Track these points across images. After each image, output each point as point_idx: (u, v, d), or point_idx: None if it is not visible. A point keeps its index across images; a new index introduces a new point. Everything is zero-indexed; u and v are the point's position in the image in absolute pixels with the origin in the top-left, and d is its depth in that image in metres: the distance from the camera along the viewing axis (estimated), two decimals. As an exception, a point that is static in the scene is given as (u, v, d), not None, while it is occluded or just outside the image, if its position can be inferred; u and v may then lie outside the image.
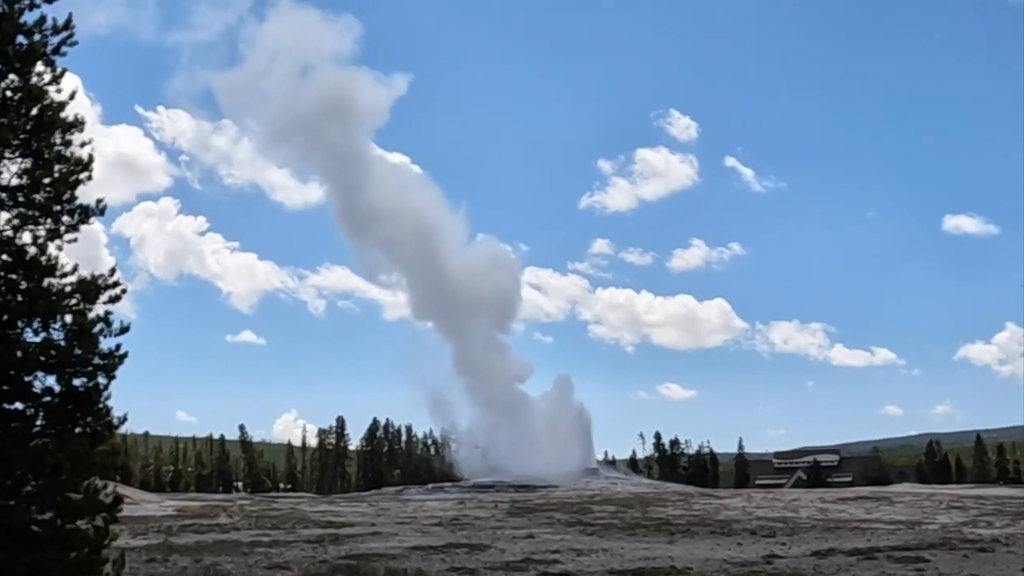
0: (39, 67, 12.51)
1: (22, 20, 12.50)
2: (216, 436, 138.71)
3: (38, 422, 12.31)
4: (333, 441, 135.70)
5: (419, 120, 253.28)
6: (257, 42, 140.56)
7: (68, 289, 12.32)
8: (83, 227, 12.71)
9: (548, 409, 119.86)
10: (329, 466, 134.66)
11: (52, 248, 12.39)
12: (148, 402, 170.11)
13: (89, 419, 12.36)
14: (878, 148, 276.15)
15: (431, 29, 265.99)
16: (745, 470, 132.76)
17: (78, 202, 12.59)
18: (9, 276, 12.09)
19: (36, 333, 12.25)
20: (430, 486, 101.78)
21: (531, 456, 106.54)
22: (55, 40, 12.67)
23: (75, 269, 12.46)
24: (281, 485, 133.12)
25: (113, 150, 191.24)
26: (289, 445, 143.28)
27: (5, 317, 12.07)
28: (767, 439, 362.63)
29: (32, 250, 12.22)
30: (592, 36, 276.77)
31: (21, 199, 12.32)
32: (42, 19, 12.61)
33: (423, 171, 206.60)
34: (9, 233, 12.24)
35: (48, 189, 12.37)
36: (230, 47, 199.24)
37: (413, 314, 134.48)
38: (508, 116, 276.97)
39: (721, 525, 42.08)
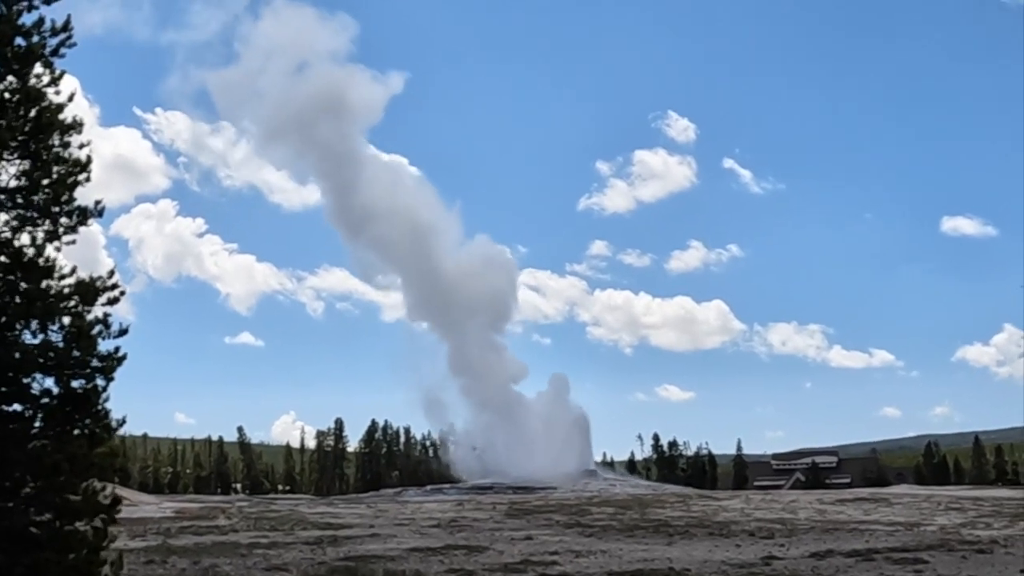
0: (38, 69, 12.51)
1: (20, 22, 12.51)
2: (215, 438, 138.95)
3: (36, 424, 12.32)
4: (331, 443, 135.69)
5: (417, 121, 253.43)
6: (252, 40, 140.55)
7: (67, 291, 12.32)
8: (81, 229, 12.72)
9: (544, 410, 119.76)
10: (327, 468, 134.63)
11: (50, 250, 12.40)
12: (147, 404, 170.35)
13: (88, 421, 12.37)
14: (876, 149, 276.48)
15: (428, 29, 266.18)
16: (743, 471, 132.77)
17: (76, 204, 12.59)
18: (7, 278, 12.09)
19: (34, 335, 12.26)
20: (428, 488, 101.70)
21: (527, 457, 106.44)
22: (53, 42, 12.68)
23: (74, 271, 12.47)
24: (279, 487, 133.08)
25: (111, 152, 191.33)
26: (287, 447, 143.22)
27: (3, 319, 12.07)
28: (765, 440, 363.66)
29: (30, 252, 12.22)
30: (590, 37, 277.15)
31: (20, 200, 12.32)
32: (40, 21, 12.62)
33: (420, 172, 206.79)
34: (7, 235, 12.24)
35: (46, 191, 12.37)
36: (226, 46, 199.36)
37: (409, 314, 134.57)
38: (506, 117, 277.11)
39: (719, 526, 42.08)
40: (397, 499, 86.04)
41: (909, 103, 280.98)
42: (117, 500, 12.60)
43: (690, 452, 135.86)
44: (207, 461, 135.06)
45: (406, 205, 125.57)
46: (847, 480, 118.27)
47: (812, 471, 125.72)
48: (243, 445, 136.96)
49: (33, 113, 12.33)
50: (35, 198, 12.35)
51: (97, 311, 12.56)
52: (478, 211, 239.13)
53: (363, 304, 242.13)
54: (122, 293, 12.74)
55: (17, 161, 12.33)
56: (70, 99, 12.74)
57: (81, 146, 12.70)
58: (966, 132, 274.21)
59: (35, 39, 12.53)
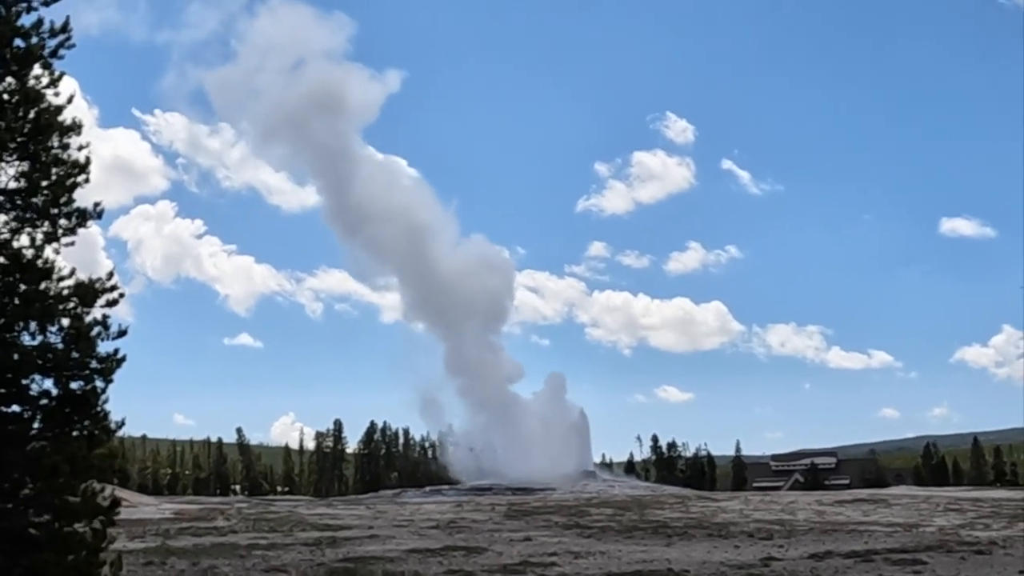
0: (37, 70, 12.52)
1: (19, 23, 12.51)
2: (213, 439, 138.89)
3: (35, 425, 12.32)
4: (330, 444, 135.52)
5: (415, 123, 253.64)
6: (248, 39, 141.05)
7: (65, 292, 12.32)
8: (80, 230, 12.72)
9: (541, 410, 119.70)
10: (326, 469, 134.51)
11: (49, 251, 12.41)
12: (145, 405, 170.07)
13: (87, 422, 12.37)
14: (875, 151, 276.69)
15: (426, 30, 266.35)
16: (742, 473, 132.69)
17: (75, 205, 12.60)
18: (6, 279, 12.09)
19: (33, 336, 12.26)
20: (427, 489, 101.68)
21: (523, 458, 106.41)
22: (52, 43, 12.68)
23: (72, 272, 12.48)
24: (278, 488, 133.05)
25: (110, 153, 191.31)
26: (286, 448, 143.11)
27: (2, 320, 12.08)
28: (764, 441, 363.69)
29: (29, 253, 12.22)
30: (589, 38, 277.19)
31: (18, 202, 12.33)
32: (39, 22, 12.63)
33: (419, 173, 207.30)
34: (6, 236, 12.25)
35: (45, 192, 12.37)
36: (223, 45, 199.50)
37: (405, 315, 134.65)
38: (505, 118, 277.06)
39: (718, 528, 42.10)
40: (396, 500, 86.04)
41: (908, 104, 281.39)
42: (116, 501, 12.61)
43: (689, 453, 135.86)
44: (206, 462, 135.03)
45: (402, 205, 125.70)
46: (846, 481, 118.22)
47: (811, 472, 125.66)
48: (242, 446, 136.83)
49: (32, 114, 12.33)
50: (34, 200, 12.35)
51: (96, 312, 12.57)
52: (477, 212, 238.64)
53: (362, 305, 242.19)
54: (121, 295, 12.75)
55: (16, 162, 12.34)
56: (69, 101, 12.75)
57: (80, 148, 12.71)
58: (965, 133, 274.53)
59: (34, 40, 12.54)
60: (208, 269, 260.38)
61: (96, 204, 12.80)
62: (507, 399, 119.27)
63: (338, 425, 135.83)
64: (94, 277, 12.62)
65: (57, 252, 12.52)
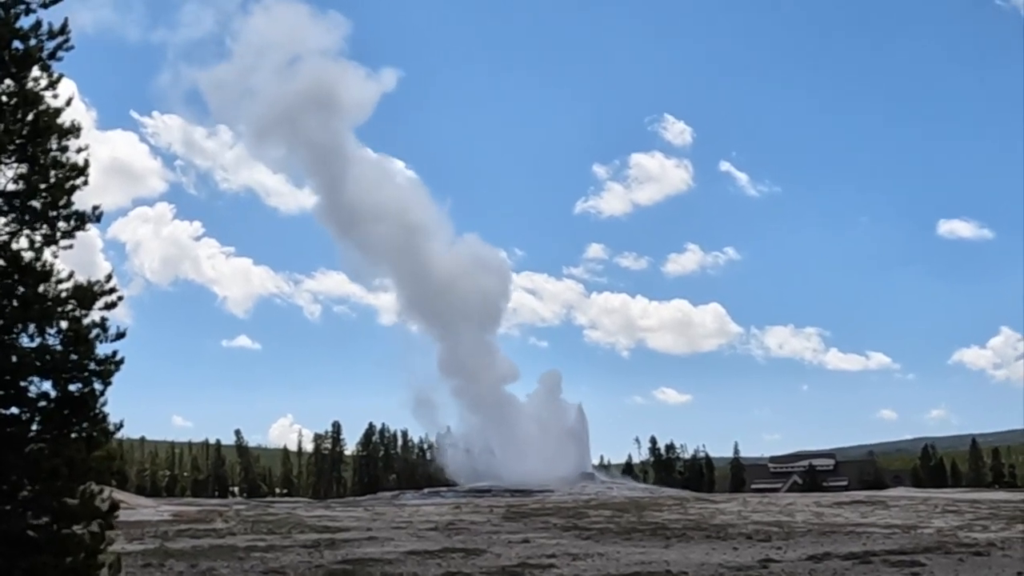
0: (35, 72, 12.51)
1: (18, 25, 12.51)
2: (212, 441, 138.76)
3: (34, 427, 12.32)
4: (329, 446, 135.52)
5: (412, 124, 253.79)
6: (243, 38, 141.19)
7: (64, 295, 12.32)
8: (79, 232, 12.73)
9: (536, 410, 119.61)
10: (325, 471, 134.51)
11: (48, 254, 12.41)
12: (144, 407, 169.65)
13: (85, 424, 12.38)
14: (873, 152, 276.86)
15: (423, 31, 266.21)
16: (741, 474, 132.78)
17: (74, 208, 12.60)
18: (5, 281, 12.09)
19: (32, 338, 12.26)
20: (426, 491, 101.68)
21: (518, 459, 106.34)
22: (51, 45, 12.68)
23: (71, 275, 12.48)
24: (277, 490, 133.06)
25: (108, 155, 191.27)
26: (285, 450, 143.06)
27: (1, 322, 12.08)
28: (763, 443, 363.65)
29: (28, 255, 12.23)
30: (587, 40, 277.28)
31: (17, 204, 12.33)
32: (38, 24, 12.62)
33: (417, 175, 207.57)
34: (5, 238, 12.25)
35: (44, 195, 12.37)
36: (219, 44, 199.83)
37: (401, 315, 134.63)
38: (503, 120, 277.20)
39: (717, 529, 42.11)
40: (394, 502, 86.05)
41: (905, 106, 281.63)
42: (115, 504, 12.61)
43: (687, 455, 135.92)
44: (204, 464, 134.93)
45: (396, 204, 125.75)
46: (844, 483, 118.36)
47: (809, 474, 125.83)
48: (240, 448, 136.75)
49: (31, 117, 12.33)
50: (33, 202, 12.36)
51: (95, 315, 12.57)
52: (474, 214, 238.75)
53: (360, 307, 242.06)
54: (120, 297, 12.76)
55: (15, 165, 12.34)
56: (68, 103, 12.75)
57: (79, 150, 12.71)
58: (963, 135, 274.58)
59: (33, 42, 12.53)
60: (206, 271, 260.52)
61: (95, 207, 12.81)
62: (502, 400, 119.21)
63: (336, 427, 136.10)
64: (92, 279, 12.64)
65: (56, 255, 12.54)
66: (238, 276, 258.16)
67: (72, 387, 12.34)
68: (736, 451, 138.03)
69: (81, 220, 12.70)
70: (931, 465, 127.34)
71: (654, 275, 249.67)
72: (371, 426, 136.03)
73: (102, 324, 12.55)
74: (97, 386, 12.42)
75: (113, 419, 12.66)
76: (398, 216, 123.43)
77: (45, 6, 12.80)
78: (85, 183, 12.71)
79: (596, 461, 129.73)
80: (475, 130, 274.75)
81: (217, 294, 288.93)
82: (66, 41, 12.80)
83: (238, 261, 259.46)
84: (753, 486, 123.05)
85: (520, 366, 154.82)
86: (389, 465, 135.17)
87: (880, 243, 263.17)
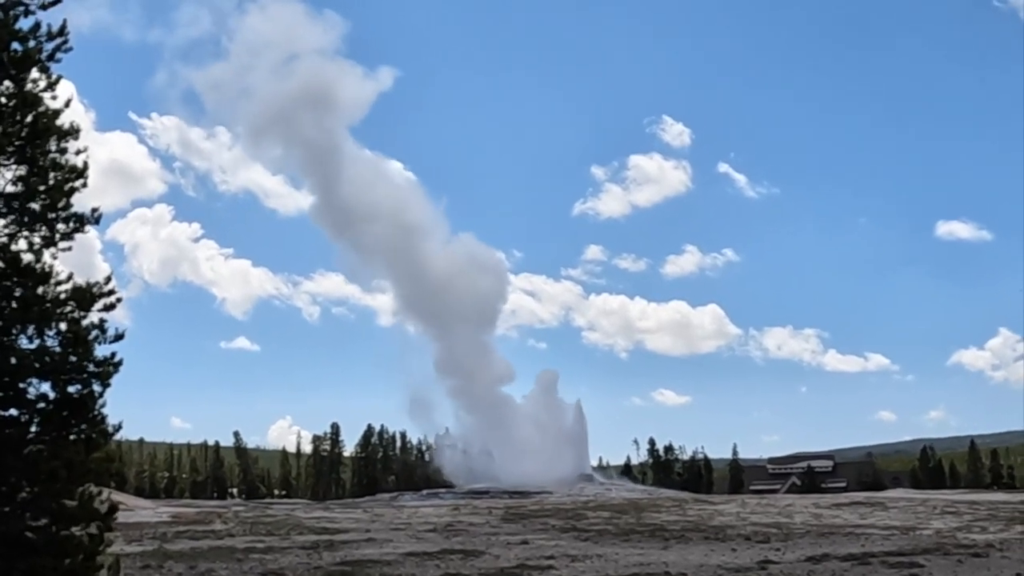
0: (34, 74, 12.51)
1: (17, 26, 12.51)
2: (211, 442, 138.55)
3: (33, 428, 12.33)
4: (328, 447, 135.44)
5: (410, 125, 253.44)
6: (239, 38, 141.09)
7: (63, 296, 12.33)
8: (78, 234, 12.73)
9: (533, 411, 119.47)
10: (324, 472, 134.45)
11: (47, 256, 12.42)
12: (142, 409, 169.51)
13: (84, 426, 12.39)
14: (871, 154, 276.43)
15: (420, 32, 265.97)
16: (739, 476, 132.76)
17: (73, 210, 12.60)
18: (4, 283, 12.10)
19: (31, 340, 12.27)
20: (425, 492, 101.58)
21: (517, 460, 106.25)
22: (50, 46, 12.68)
23: (70, 277, 12.49)
24: (276, 491, 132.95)
25: (107, 157, 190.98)
26: (284, 451, 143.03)
27: (0, 324, 12.08)
28: (761, 445, 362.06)
29: (27, 257, 12.23)
30: (585, 41, 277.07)
31: (16, 206, 12.33)
32: (37, 25, 12.62)
33: (415, 176, 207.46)
34: (4, 240, 12.26)
35: (43, 197, 12.38)
36: (216, 45, 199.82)
37: (396, 314, 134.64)
38: (501, 121, 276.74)
39: (715, 531, 42.11)
40: (393, 504, 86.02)
41: (904, 107, 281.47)
42: (113, 505, 12.62)
43: (686, 456, 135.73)
44: (203, 466, 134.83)
45: (392, 204, 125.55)
46: (843, 484, 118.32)
47: (808, 475, 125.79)
48: (239, 450, 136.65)
49: (30, 118, 12.33)
50: (32, 204, 12.36)
51: (93, 316, 12.58)
52: (473, 215, 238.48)
53: (359, 309, 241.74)
54: (118, 299, 12.77)
55: (14, 167, 12.34)
56: (67, 104, 12.76)
57: (78, 152, 12.72)
58: (961, 136, 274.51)
59: (31, 44, 12.53)
60: (205, 273, 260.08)
61: (94, 209, 12.83)
62: (498, 400, 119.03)
63: (335, 428, 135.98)
64: (91, 281, 12.65)
65: (55, 256, 12.55)
66: (237, 278, 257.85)
67: (71, 389, 12.35)
68: (735, 452, 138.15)
69: (80, 222, 12.71)
70: (930, 466, 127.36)
71: (652, 276, 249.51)
72: (370, 428, 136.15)
73: (101, 326, 12.56)
74: (96, 388, 12.44)
75: (112, 421, 12.70)
76: (394, 216, 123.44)
77: (44, 8, 12.80)
78: (84, 185, 12.72)
79: (595, 462, 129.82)
80: (473, 131, 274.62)
81: (216, 295, 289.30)
82: (65, 43, 12.81)
83: (237, 263, 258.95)
84: (752, 487, 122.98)
85: (519, 368, 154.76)
86: (388, 467, 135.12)
87: (878, 244, 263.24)
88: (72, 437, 12.35)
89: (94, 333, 12.45)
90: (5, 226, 12.33)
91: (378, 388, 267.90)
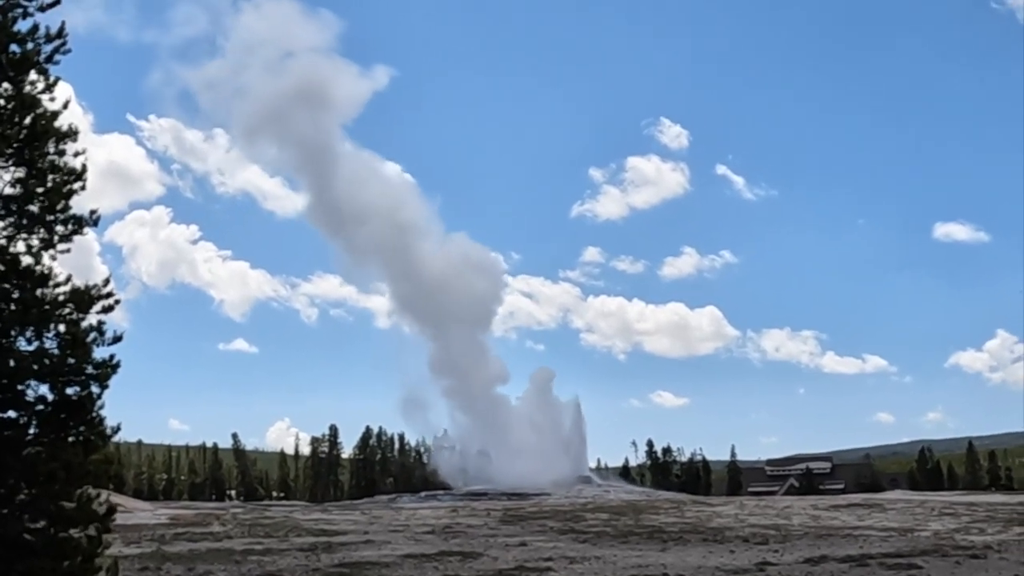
0: (32, 76, 12.51)
1: (15, 28, 12.52)
2: (209, 444, 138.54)
3: (31, 431, 12.33)
4: (326, 449, 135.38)
5: (408, 126, 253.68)
6: (233, 37, 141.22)
7: (61, 298, 12.33)
8: (76, 236, 12.73)
9: (528, 411, 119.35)
10: (322, 474, 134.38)
11: (46, 258, 12.41)
12: (141, 410, 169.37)
13: (82, 428, 12.38)
14: (869, 156, 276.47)
15: (417, 34, 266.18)
16: (737, 477, 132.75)
17: (71, 212, 12.60)
18: (3, 285, 12.10)
19: (29, 342, 12.27)
20: (423, 494, 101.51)
21: (513, 461, 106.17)
22: (48, 48, 12.68)
23: (68, 279, 12.48)
24: (274, 493, 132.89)
25: (105, 159, 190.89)
26: (282, 453, 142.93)
27: (-1, 326, 12.10)
28: (759, 446, 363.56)
29: (26, 259, 12.23)
30: (583, 43, 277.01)
31: (15, 209, 12.33)
32: (35, 27, 12.62)
33: (412, 177, 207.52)
34: (2, 242, 12.26)
35: (42, 199, 12.37)
36: (211, 44, 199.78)
37: (391, 314, 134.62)
38: (499, 123, 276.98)
39: (714, 532, 42.12)
40: (391, 505, 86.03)
41: (901, 109, 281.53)
42: (112, 507, 12.61)
43: (684, 458, 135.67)
44: (201, 468, 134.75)
45: (387, 203, 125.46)
46: (841, 486, 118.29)
47: (806, 477, 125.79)
48: (237, 452, 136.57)
49: (28, 120, 12.32)
50: (30, 207, 12.36)
51: (92, 318, 12.58)
52: (470, 217, 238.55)
53: (357, 311, 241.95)
54: (117, 301, 12.76)
55: (12, 169, 12.34)
56: (65, 106, 12.75)
57: (76, 154, 12.72)
58: (959, 138, 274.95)
59: (30, 46, 12.53)
60: (203, 274, 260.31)
61: (92, 211, 12.82)
62: (493, 400, 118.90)
63: (333, 430, 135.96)
64: (90, 283, 12.64)
65: (53, 258, 12.54)
66: (235, 279, 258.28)
67: (69, 390, 12.35)
68: (733, 454, 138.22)
69: (79, 224, 12.71)
70: (928, 468, 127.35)
71: (650, 278, 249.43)
72: (368, 429, 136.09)
73: (99, 328, 12.56)
74: (94, 389, 12.43)
75: (110, 422, 12.68)
76: (389, 215, 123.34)
77: (42, 9, 12.79)
78: (82, 187, 12.71)
79: (593, 464, 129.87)
80: (470, 133, 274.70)
81: (214, 297, 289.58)
82: (63, 44, 12.80)
83: (235, 264, 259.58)
84: (750, 489, 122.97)
85: (517, 369, 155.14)
86: (386, 468, 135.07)
87: (877, 246, 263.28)
88: (71, 439, 12.34)
89: (93, 335, 12.45)
90: (4, 228, 12.32)
91: (376, 390, 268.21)
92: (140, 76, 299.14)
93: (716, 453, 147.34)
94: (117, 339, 12.72)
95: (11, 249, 12.27)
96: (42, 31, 12.64)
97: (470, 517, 56.71)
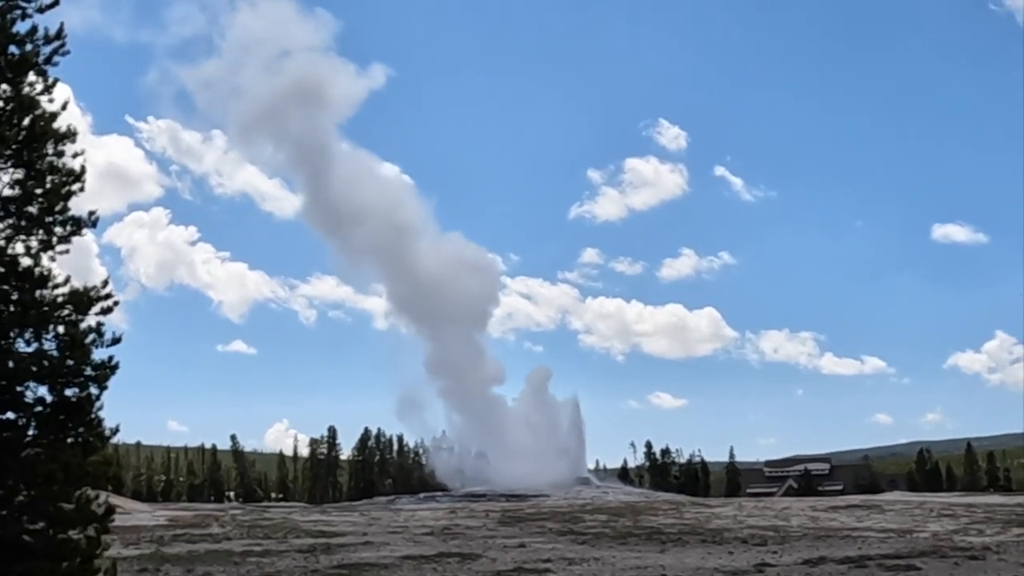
0: (31, 77, 12.51)
1: (14, 30, 12.52)
2: (208, 446, 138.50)
3: (30, 432, 12.33)
4: (325, 450, 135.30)
5: (405, 127, 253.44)
6: (229, 36, 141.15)
7: (60, 300, 12.33)
8: (75, 238, 12.73)
9: (525, 411, 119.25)
10: (321, 475, 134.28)
11: (45, 259, 12.41)
12: (139, 412, 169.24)
13: (81, 429, 12.38)
14: (867, 157, 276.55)
15: (415, 35, 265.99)
16: (736, 479, 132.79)
17: (70, 213, 12.60)
18: (2, 287, 12.10)
19: (28, 343, 12.27)
20: (422, 495, 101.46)
21: (511, 461, 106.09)
22: (47, 50, 12.68)
23: (67, 280, 12.48)
24: (273, 495, 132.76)
25: (104, 160, 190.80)
26: (281, 455, 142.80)
27: (-2, 327, 12.10)
28: (758, 448, 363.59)
29: (25, 261, 12.23)
30: (581, 44, 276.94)
31: (13, 210, 12.33)
32: (34, 29, 12.62)
33: (410, 179, 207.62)
34: (1, 244, 12.25)
35: (40, 200, 12.37)
36: (208, 44, 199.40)
37: (388, 315, 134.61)
38: (497, 125, 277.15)
39: (712, 534, 42.12)
40: (390, 507, 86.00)
41: (900, 110, 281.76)
42: (110, 508, 12.61)
43: (683, 459, 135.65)
44: (200, 469, 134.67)
45: (383, 202, 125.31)
46: (839, 487, 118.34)
47: (804, 478, 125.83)
48: (236, 453, 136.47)
49: (27, 122, 12.33)
50: (29, 208, 12.36)
51: (91, 320, 12.58)
52: (469, 218, 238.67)
53: (355, 312, 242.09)
54: (115, 302, 12.76)
55: (11, 170, 12.35)
56: (63, 107, 12.75)
57: (75, 155, 12.73)
58: (957, 139, 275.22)
59: (28, 47, 12.53)
60: (202, 276, 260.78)
61: (91, 213, 12.82)
62: (489, 401, 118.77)
63: (332, 431, 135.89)
64: (88, 284, 12.64)
65: (52, 260, 12.54)
66: (233, 281, 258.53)
67: (68, 392, 12.35)
68: (731, 455, 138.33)
69: (77, 225, 12.71)
70: (926, 469, 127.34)
71: (649, 280, 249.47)
72: (367, 431, 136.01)
73: (98, 329, 12.56)
74: (93, 391, 12.43)
75: (109, 424, 12.68)
76: (384, 214, 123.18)
77: (41, 11, 12.80)
78: (81, 188, 12.72)
79: (591, 466, 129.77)
80: (468, 134, 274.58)
81: (212, 299, 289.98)
82: (62, 46, 12.81)
83: (233, 266, 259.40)
84: (748, 490, 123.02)
85: (515, 371, 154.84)
86: (385, 470, 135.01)
87: (875, 247, 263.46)
88: (69, 440, 12.35)
89: (91, 336, 12.45)
90: (3, 230, 12.32)
91: (375, 391, 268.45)
92: (138, 77, 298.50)
93: (715, 454, 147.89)
94: (116, 340, 12.72)
95: (10, 250, 12.27)
96: (41, 32, 12.65)
97: (469, 518, 56.69)
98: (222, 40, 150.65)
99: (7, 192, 12.34)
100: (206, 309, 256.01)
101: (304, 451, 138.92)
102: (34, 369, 12.17)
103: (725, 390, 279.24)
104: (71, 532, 12.18)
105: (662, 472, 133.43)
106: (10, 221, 12.35)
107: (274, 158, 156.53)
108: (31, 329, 12.19)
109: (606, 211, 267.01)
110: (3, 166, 12.30)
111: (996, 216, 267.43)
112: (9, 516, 12.00)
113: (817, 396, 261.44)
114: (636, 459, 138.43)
